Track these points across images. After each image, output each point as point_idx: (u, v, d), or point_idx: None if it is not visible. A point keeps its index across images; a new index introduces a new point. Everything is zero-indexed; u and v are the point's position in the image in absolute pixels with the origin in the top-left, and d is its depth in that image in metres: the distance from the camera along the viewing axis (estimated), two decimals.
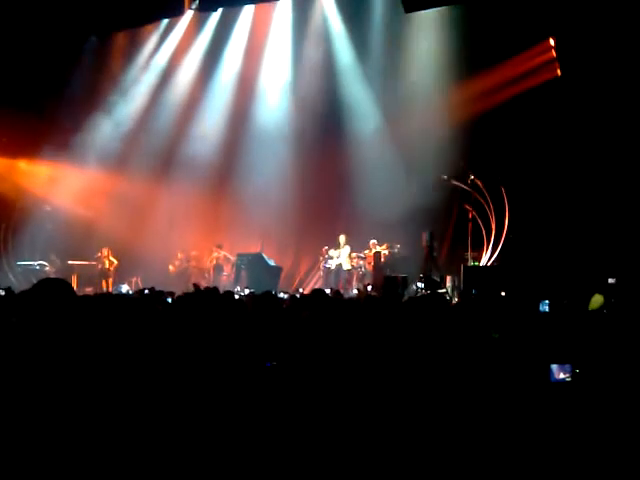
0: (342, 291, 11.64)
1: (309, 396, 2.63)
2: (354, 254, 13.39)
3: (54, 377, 2.22)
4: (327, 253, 13.52)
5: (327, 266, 13.41)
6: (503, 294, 7.02)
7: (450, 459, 2.31)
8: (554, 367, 2.40)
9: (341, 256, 13.22)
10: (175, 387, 2.55)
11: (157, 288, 7.68)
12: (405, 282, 11.12)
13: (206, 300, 5.01)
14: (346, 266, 13.23)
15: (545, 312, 4.12)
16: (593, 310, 3.88)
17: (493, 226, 11.75)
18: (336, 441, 2.37)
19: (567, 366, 2.40)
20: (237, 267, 13.93)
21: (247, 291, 10.89)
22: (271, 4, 14.92)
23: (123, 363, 2.53)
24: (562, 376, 2.39)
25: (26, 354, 2.30)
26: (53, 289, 2.48)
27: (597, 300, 4.12)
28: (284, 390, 2.73)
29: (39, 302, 2.42)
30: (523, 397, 2.45)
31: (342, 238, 13.27)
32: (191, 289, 12.16)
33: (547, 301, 4.12)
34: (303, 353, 3.08)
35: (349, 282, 13.31)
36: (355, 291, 12.27)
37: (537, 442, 2.27)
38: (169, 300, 6.33)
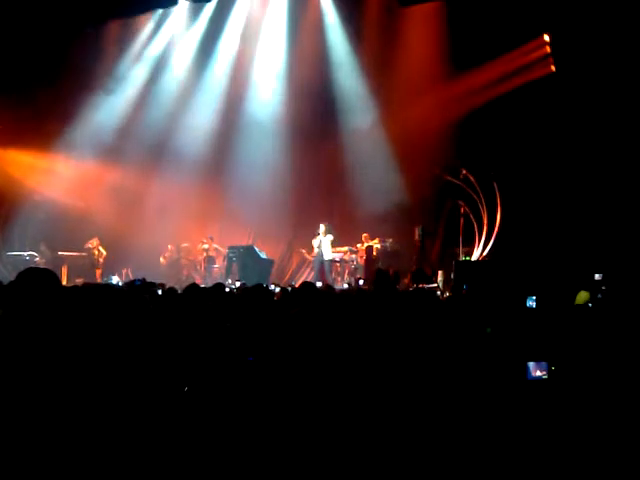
0: (326, 282, 11.64)
1: (299, 389, 2.62)
2: (346, 247, 13.35)
3: (38, 368, 2.20)
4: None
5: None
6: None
7: (438, 452, 2.32)
8: (531, 365, 2.40)
9: (322, 245, 12.83)
10: (164, 380, 2.53)
11: (148, 280, 7.64)
12: (397, 276, 11.13)
13: (195, 293, 5.00)
14: (328, 256, 12.90)
15: (531, 308, 4.12)
16: (578, 305, 3.89)
17: (485, 221, 11.78)
18: (328, 434, 2.36)
19: (543, 364, 2.39)
20: (228, 259, 13.89)
21: (238, 283, 10.88)
22: None
23: (110, 354, 2.51)
24: (539, 374, 2.39)
25: (10, 345, 2.28)
26: (38, 279, 2.45)
27: (582, 297, 4.12)
28: (274, 383, 2.72)
29: (23, 292, 2.39)
30: (504, 393, 2.46)
31: (322, 227, 12.81)
32: (183, 281, 12.19)
33: (534, 297, 4.11)
34: (293, 346, 3.07)
35: (332, 273, 13.21)
36: (345, 285, 12.27)
37: (519, 439, 2.28)
38: (159, 292, 6.32)
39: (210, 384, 2.56)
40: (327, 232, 12.83)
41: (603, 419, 2.28)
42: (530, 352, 2.54)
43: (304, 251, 13.89)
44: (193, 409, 2.42)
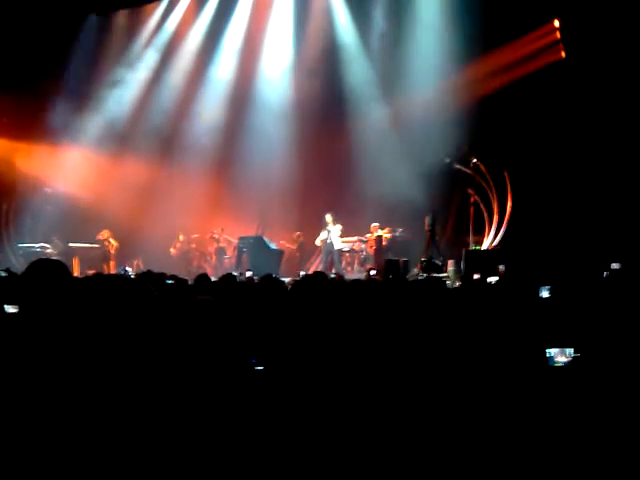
0: (333, 271, 11.64)
1: (311, 380, 2.62)
2: (355, 237, 13.34)
3: (46, 359, 2.21)
4: (301, 238, 13.70)
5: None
6: (497, 279, 6.85)
7: (451, 445, 2.31)
8: (554, 351, 2.38)
9: (331, 235, 12.78)
10: (173, 376, 2.52)
11: (159, 270, 7.66)
12: (406, 266, 11.12)
13: (205, 283, 5.00)
14: (337, 245, 12.85)
15: (545, 298, 4.06)
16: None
17: (495, 210, 11.72)
18: (341, 426, 2.36)
19: (567, 350, 2.37)
20: (239, 250, 13.91)
21: (249, 273, 10.89)
22: None
23: (117, 346, 2.50)
24: (562, 360, 2.37)
25: (21, 336, 2.29)
26: (47, 270, 2.46)
27: None
28: (285, 373, 2.72)
29: (33, 282, 2.40)
30: (522, 382, 2.45)
31: (328, 217, 12.80)
32: (193, 272, 12.23)
33: (548, 286, 4.06)
34: (305, 336, 3.07)
35: (342, 263, 13.22)
36: (359, 275, 12.25)
37: (536, 428, 2.27)
38: (169, 282, 6.31)
39: (218, 378, 2.56)
40: (334, 222, 12.81)
41: (625, 409, 2.27)
42: (551, 339, 2.51)
43: (283, 242, 14.03)
44: (211, 404, 2.41)
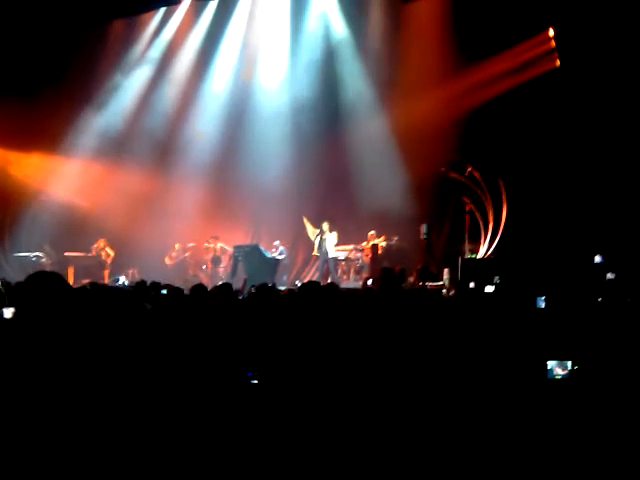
0: (328, 280, 11.64)
1: (306, 387, 2.61)
2: (351, 246, 13.33)
3: (43, 369, 2.19)
4: (281, 246, 13.63)
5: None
6: (492, 289, 6.85)
7: (446, 453, 2.30)
8: (553, 364, 2.37)
9: (327, 243, 12.76)
10: (171, 383, 2.51)
11: (155, 280, 7.62)
12: (402, 274, 11.09)
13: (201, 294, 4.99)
14: (332, 254, 12.85)
15: (541, 308, 4.04)
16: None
17: (491, 218, 11.74)
18: (338, 432, 2.35)
19: (566, 363, 2.35)
20: (234, 259, 13.87)
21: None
22: None
23: (113, 358, 2.49)
24: (560, 373, 2.36)
25: (18, 348, 2.28)
26: (45, 282, 2.44)
27: None
28: (280, 379, 2.71)
29: (30, 295, 2.39)
30: (519, 392, 2.44)
31: (325, 225, 12.77)
32: (189, 281, 12.19)
33: (543, 297, 4.03)
34: (301, 347, 3.06)
35: (338, 271, 13.21)
36: (355, 283, 12.23)
37: (534, 437, 2.26)
38: (164, 292, 6.29)
39: (226, 386, 2.55)
40: (331, 230, 12.82)
41: (624, 418, 2.26)
42: (549, 351, 2.50)
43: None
44: (208, 411, 2.40)
